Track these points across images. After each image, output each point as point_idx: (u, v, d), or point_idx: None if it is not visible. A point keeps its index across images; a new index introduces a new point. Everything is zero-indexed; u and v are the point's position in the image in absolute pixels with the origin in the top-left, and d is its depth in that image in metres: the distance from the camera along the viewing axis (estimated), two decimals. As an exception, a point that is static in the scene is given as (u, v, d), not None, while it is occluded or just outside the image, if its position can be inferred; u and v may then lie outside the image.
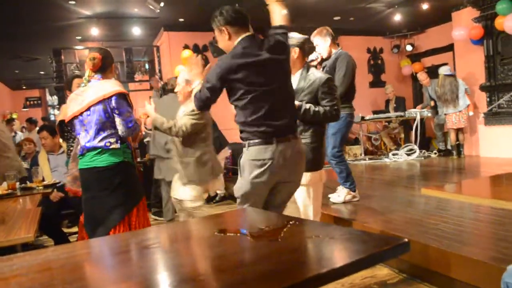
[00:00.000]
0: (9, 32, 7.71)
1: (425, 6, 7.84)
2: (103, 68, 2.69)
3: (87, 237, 2.68)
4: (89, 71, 2.67)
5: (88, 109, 2.58)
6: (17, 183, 3.70)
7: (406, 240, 1.05)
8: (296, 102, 2.62)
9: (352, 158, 8.37)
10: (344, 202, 4.22)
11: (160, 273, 1.08)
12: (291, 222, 1.29)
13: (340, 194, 4.27)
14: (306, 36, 2.97)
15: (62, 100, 9.47)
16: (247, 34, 2.28)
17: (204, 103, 2.32)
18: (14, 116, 12.46)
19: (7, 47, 8.81)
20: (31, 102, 15.49)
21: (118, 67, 9.03)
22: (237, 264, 1.11)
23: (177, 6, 7.16)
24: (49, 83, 13.24)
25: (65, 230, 4.93)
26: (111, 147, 2.57)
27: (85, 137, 2.61)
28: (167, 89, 4.71)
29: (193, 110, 2.98)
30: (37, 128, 8.55)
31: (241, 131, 2.30)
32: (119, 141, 2.61)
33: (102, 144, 2.56)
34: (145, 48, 9.82)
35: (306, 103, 2.74)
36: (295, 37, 2.83)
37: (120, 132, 2.61)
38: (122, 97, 2.61)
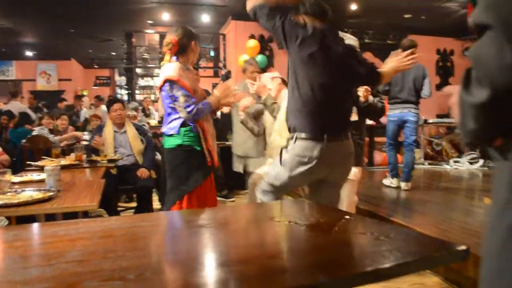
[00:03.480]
0: (86, 13, 8.13)
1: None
2: (181, 49, 2.71)
3: None
4: (167, 56, 2.72)
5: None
6: (84, 155, 3.92)
7: (464, 247, 1.02)
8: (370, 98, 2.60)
9: (411, 162, 8.10)
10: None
11: (210, 253, 1.12)
12: (346, 217, 1.29)
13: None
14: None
15: (129, 81, 9.88)
16: (323, 24, 2.21)
17: None
18: (85, 93, 13.19)
19: (83, 27, 9.30)
20: (101, 81, 16.30)
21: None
22: (287, 252, 1.12)
23: (246, -5, 7.23)
24: (119, 64, 13.85)
25: (123, 204, 5.20)
26: (170, 132, 2.67)
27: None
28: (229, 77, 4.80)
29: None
30: (103, 105, 9.01)
31: (289, 119, 2.22)
32: (177, 129, 2.66)
33: (164, 129, 2.72)
34: (212, 35, 9.99)
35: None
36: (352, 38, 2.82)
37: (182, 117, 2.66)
38: (171, 83, 2.60)
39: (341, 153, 2.19)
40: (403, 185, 4.97)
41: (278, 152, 2.26)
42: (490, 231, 0.84)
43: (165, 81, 2.62)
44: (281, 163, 2.20)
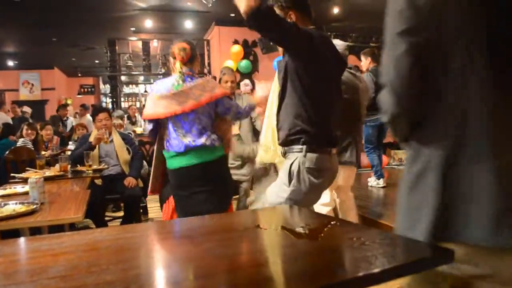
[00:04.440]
0: (68, 21, 8.07)
1: None
2: (192, 59, 2.69)
3: None
4: (179, 63, 2.62)
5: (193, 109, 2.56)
6: (69, 166, 3.88)
7: (452, 249, 1.02)
8: None
9: (397, 163, 8.17)
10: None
11: (196, 263, 1.10)
12: (332, 222, 1.29)
13: None
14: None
15: (114, 89, 9.81)
16: (313, 27, 2.05)
17: None
18: (69, 101, 13.05)
19: (65, 35, 9.23)
20: (85, 90, 16.16)
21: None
22: (275, 259, 1.12)
23: (229, 1, 7.25)
24: (103, 72, 13.75)
25: (110, 214, 5.15)
26: (215, 144, 2.61)
27: (187, 136, 2.58)
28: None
29: None
30: (88, 114, 8.93)
31: (298, 132, 1.98)
32: (219, 139, 2.67)
33: (208, 142, 2.58)
34: (196, 41, 9.99)
35: None
36: (339, 44, 2.79)
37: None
38: (226, 97, 2.68)
39: (335, 168, 2.13)
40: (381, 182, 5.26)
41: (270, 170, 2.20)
42: (402, 183, 1.19)
43: (221, 96, 2.62)
44: (290, 183, 1.97)
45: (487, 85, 1.05)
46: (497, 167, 1.03)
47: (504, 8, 1.05)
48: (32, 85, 13.74)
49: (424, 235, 1.10)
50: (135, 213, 4.25)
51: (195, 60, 2.73)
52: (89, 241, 1.29)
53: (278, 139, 2.09)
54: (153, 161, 2.87)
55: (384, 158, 7.08)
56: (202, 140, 2.56)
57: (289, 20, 1.98)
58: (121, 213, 4.68)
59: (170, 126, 2.62)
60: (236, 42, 8.66)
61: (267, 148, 2.48)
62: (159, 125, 2.71)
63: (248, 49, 8.74)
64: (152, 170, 2.89)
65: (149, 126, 2.76)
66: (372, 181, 5.36)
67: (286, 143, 2.01)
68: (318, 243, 1.14)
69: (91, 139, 4.10)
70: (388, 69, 1.16)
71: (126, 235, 1.40)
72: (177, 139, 2.59)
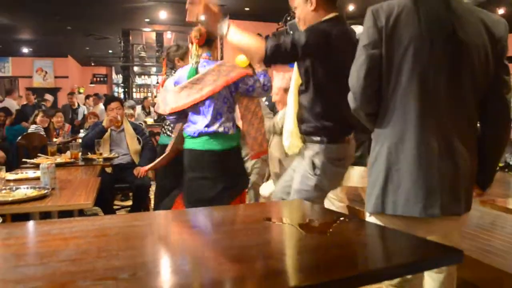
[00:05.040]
0: (83, 11, 8.10)
1: (500, 11, 7.47)
2: (209, 42, 2.63)
3: None
4: (195, 46, 2.58)
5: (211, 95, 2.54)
6: (80, 154, 3.91)
7: (460, 249, 1.02)
8: None
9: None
10: None
11: (204, 253, 1.11)
12: (341, 218, 1.28)
13: None
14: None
15: (126, 79, 9.85)
16: (336, 14, 2.00)
17: None
18: (81, 90, 13.15)
19: (81, 25, 9.27)
20: (98, 79, 16.26)
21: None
22: (282, 253, 1.12)
23: (244, -5, 7.24)
24: (116, 61, 13.82)
25: (119, 203, 5.18)
26: (229, 132, 2.58)
27: (202, 121, 2.57)
28: None
29: None
30: (101, 104, 8.98)
31: (317, 125, 2.04)
32: (234, 126, 2.64)
33: (221, 129, 2.55)
34: (210, 35, 9.96)
35: None
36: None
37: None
38: (247, 77, 2.59)
39: (351, 155, 2.19)
40: None
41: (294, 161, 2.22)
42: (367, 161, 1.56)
43: (240, 77, 2.54)
44: (314, 172, 2.04)
45: (412, 95, 1.43)
46: (422, 154, 1.40)
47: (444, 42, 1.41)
48: (46, 72, 13.86)
49: (371, 208, 1.48)
50: (143, 202, 4.27)
51: (213, 44, 2.68)
52: (99, 227, 1.30)
53: (299, 130, 2.15)
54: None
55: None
56: (215, 127, 2.54)
57: (309, 5, 1.96)
58: (130, 203, 4.71)
59: (188, 111, 2.63)
60: (249, 36, 8.63)
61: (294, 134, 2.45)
62: (183, 113, 2.69)
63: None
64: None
65: (171, 118, 2.76)
66: None
67: (306, 133, 2.09)
68: (326, 238, 1.14)
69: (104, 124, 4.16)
70: (352, 73, 1.52)
71: (135, 223, 1.42)
72: (192, 124, 2.60)
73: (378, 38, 1.44)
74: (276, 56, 1.90)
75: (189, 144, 2.63)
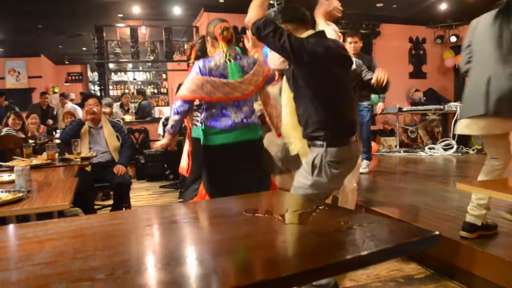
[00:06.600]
0: (54, 8, 7.91)
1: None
2: (232, 38, 2.74)
3: None
4: (222, 43, 2.65)
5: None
6: (56, 154, 3.83)
7: (437, 232, 1.03)
8: None
9: (387, 150, 8.22)
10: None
11: (184, 248, 1.10)
12: (320, 207, 1.29)
13: None
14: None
15: (102, 76, 9.69)
16: (312, 32, 2.25)
17: None
18: (56, 90, 12.87)
19: (52, 22, 9.05)
20: (73, 77, 15.92)
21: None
22: (263, 244, 1.11)
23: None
24: (91, 59, 13.55)
25: (100, 203, 5.12)
26: (259, 122, 2.74)
27: (236, 113, 2.62)
28: None
29: None
30: (69, 102, 8.83)
31: (317, 130, 2.20)
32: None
33: (256, 120, 2.71)
34: (185, 28, 9.87)
35: None
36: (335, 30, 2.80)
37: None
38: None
39: (355, 156, 2.28)
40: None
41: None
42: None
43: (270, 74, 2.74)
44: (312, 173, 2.19)
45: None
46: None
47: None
48: (19, 73, 13.51)
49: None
50: (124, 201, 4.23)
51: (233, 39, 2.78)
52: (76, 228, 1.28)
53: (303, 135, 2.31)
54: (189, 142, 2.91)
55: (374, 145, 7.12)
56: (252, 118, 2.67)
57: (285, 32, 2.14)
58: (111, 202, 4.65)
59: (217, 105, 2.61)
60: (225, 28, 8.57)
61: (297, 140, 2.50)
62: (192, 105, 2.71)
63: (238, 36, 8.66)
64: (187, 150, 2.89)
65: (185, 106, 2.62)
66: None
67: (308, 138, 2.25)
68: (306, 228, 1.14)
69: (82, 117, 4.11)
70: None
71: (112, 222, 1.39)
72: (226, 117, 2.61)
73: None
74: (266, 34, 2.10)
75: (219, 139, 2.61)
